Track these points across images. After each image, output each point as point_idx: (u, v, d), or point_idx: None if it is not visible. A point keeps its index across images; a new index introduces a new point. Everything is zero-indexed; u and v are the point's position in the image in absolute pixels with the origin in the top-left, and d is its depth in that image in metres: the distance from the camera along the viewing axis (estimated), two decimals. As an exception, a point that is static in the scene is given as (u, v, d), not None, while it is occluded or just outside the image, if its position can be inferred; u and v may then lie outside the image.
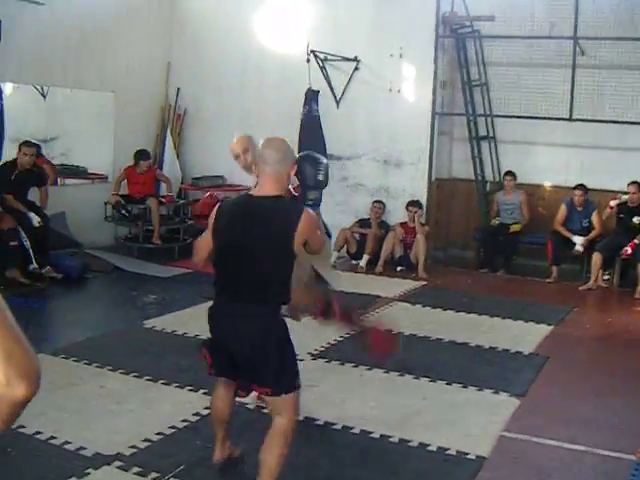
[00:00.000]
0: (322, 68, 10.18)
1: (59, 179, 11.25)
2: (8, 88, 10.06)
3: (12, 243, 7.95)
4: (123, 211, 9.90)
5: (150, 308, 7.66)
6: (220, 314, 3.69)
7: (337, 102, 10.41)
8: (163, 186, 10.64)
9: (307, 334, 6.64)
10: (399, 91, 10.16)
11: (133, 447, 4.32)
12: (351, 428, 4.75)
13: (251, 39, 10.89)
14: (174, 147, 11.36)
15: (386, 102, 10.22)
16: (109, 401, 5.10)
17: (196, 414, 4.85)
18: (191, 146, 11.56)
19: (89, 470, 4.02)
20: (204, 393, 5.11)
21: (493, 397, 5.44)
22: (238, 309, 3.58)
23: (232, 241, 3.62)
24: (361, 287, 8.61)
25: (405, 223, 9.86)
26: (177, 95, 11.44)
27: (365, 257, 9.77)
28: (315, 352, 6.22)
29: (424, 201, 10.05)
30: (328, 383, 5.59)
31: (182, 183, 11.29)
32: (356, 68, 10.26)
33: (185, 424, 4.72)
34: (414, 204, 9.81)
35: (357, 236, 10.13)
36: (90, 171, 11.35)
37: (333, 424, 4.81)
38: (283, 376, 3.58)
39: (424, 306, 7.99)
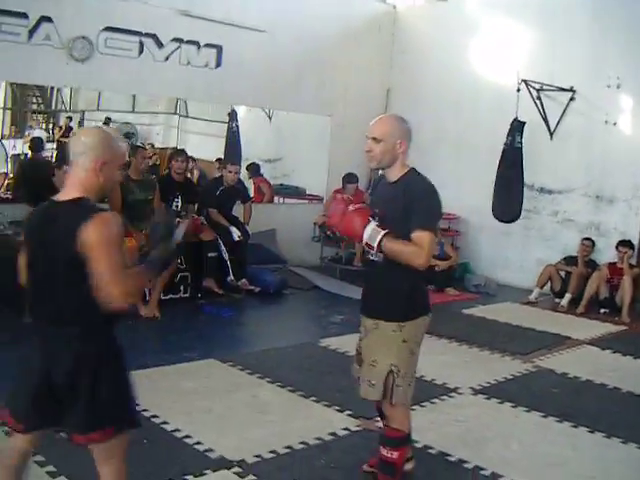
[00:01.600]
0: (537, 98, 9.93)
1: (279, 198, 11.86)
2: (242, 110, 10.78)
3: (211, 254, 8.48)
4: (328, 232, 10.21)
5: (332, 327, 7.83)
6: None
7: (551, 134, 10.09)
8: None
9: (475, 368, 6.59)
10: (615, 124, 9.66)
11: (258, 456, 4.47)
12: (482, 469, 4.57)
13: (466, 65, 10.94)
14: (387, 172, 11.52)
15: (601, 135, 9.77)
16: (254, 410, 5.31)
17: (332, 434, 4.92)
18: (406, 170, 11.68)
19: (207, 471, 4.22)
20: (349, 415, 5.21)
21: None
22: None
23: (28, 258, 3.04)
24: (554, 326, 8.32)
25: (614, 263, 9.32)
26: (395, 121, 11.61)
27: (567, 296, 9.36)
28: (478, 387, 6.07)
29: (636, 241, 9.46)
30: (478, 420, 5.42)
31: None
32: (572, 99, 9.90)
33: (317, 442, 4.79)
34: (625, 244, 9.26)
35: (562, 274, 9.73)
36: (308, 192, 11.85)
37: (465, 462, 4.67)
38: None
39: (614, 352, 7.50)
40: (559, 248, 10.08)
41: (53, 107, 10.82)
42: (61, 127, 10.82)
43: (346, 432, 4.97)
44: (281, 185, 12.00)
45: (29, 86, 9.95)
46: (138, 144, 10.17)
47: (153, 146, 10.94)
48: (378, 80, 11.69)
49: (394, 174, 3.72)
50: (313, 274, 10.02)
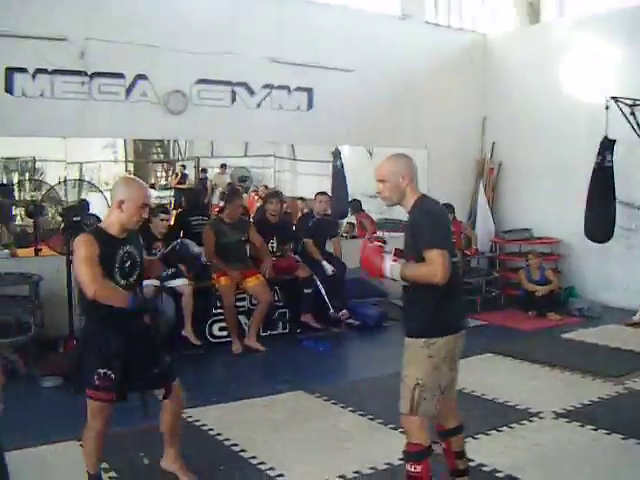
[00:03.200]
0: (631, 114, 9.71)
1: (383, 232, 12.00)
2: (345, 149, 11.02)
3: (307, 290, 8.75)
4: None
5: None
6: None
7: (646, 150, 9.86)
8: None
9: (563, 392, 6.49)
10: None
11: (324, 481, 4.64)
12: None
13: (559, 86, 10.89)
14: (488, 200, 11.53)
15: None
16: (332, 438, 5.46)
17: (401, 459, 5.00)
18: (505, 199, 11.66)
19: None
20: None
21: None
22: None
23: None
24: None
25: None
26: (492, 149, 11.64)
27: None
28: (561, 411, 5.99)
29: None
30: (554, 444, 5.32)
31: (495, 236, 11.39)
32: (666, 113, 9.64)
33: (386, 467, 4.90)
34: None
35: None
36: (409, 224, 11.92)
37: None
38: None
39: None
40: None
41: (171, 157, 11.40)
42: (177, 174, 11.39)
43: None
44: (385, 219, 12.14)
45: (151, 140, 10.55)
46: (252, 187, 10.86)
47: (267, 187, 11.33)
48: (473, 109, 11.75)
49: (408, 206, 3.97)
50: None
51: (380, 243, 3.97)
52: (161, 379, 4.39)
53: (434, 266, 3.69)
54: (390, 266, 3.83)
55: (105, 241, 4.04)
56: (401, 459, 4.89)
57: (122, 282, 4.08)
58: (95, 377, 4.08)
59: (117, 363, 4.08)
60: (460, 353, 4.03)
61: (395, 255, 3.87)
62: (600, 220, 9.21)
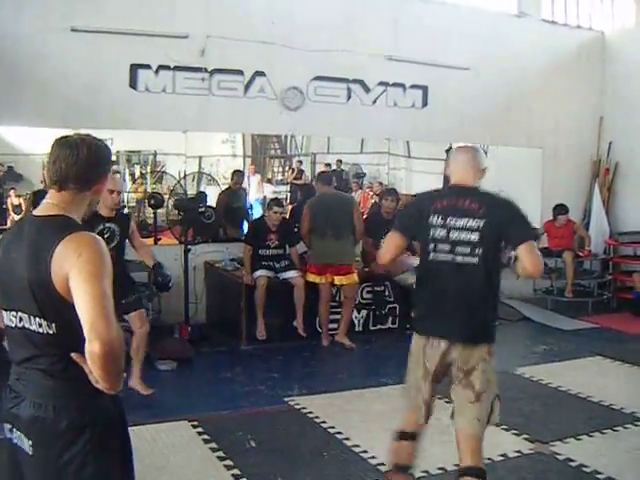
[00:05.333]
0: None
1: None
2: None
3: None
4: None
5: (533, 357, 7.88)
6: None
7: None
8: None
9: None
10: None
11: (424, 472, 4.69)
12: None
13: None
14: (603, 201, 11.29)
15: None
16: (434, 431, 5.40)
17: (502, 455, 5.02)
18: (622, 200, 11.37)
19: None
20: (525, 438, 5.29)
21: None
22: None
23: None
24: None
25: None
26: (609, 149, 11.39)
27: None
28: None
29: None
30: None
31: (610, 237, 11.14)
32: None
33: (486, 461, 4.86)
34: None
35: None
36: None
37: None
38: None
39: None
40: None
41: (288, 152, 11.64)
42: (293, 170, 11.62)
43: (517, 454, 5.07)
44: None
45: (269, 135, 10.82)
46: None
47: (381, 184, 11.38)
48: (589, 109, 11.49)
49: None
50: (524, 305, 9.99)
51: None
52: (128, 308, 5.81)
53: None
54: None
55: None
56: (502, 455, 4.99)
57: None
58: None
59: None
60: (444, 367, 3.82)
61: None
62: None
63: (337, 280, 8.12)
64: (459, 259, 3.71)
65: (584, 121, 11.43)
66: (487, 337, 3.77)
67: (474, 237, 3.66)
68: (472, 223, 3.67)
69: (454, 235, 3.71)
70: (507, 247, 3.75)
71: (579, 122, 11.37)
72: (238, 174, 10.19)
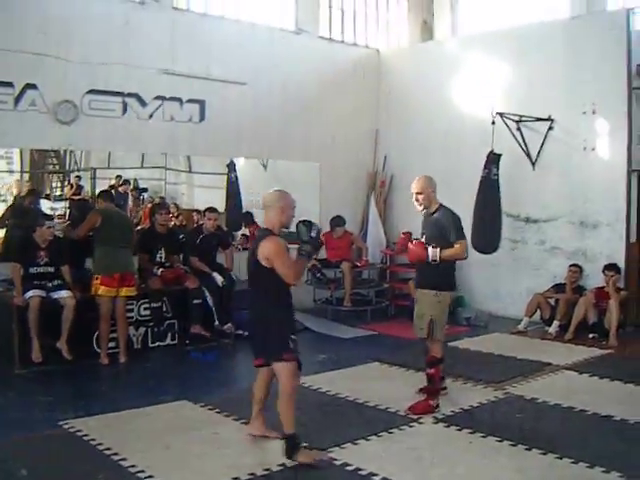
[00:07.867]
0: (517, 129, 10.13)
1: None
2: (240, 161, 11.02)
3: (196, 301, 8.74)
4: (318, 274, 10.34)
5: (313, 366, 7.96)
6: None
7: (533, 164, 10.27)
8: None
9: (443, 398, 6.62)
10: (593, 149, 9.85)
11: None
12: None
13: (449, 102, 11.28)
14: (379, 212, 11.75)
15: (581, 161, 9.97)
16: (211, 445, 5.47)
17: (281, 464, 5.07)
18: (397, 211, 11.89)
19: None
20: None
21: (599, 476, 4.93)
22: None
23: None
24: (537, 353, 8.42)
25: (602, 288, 9.36)
26: (384, 162, 11.89)
27: (555, 323, 9.45)
28: (440, 416, 6.15)
29: (622, 264, 9.53)
30: (431, 448, 5.46)
31: (387, 247, 11.61)
32: (550, 128, 10.10)
33: (266, 472, 4.95)
34: (610, 268, 9.33)
35: (552, 301, 9.80)
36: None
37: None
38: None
39: (591, 376, 7.50)
40: (548, 276, 10.19)
41: (67, 167, 11.18)
42: (72, 185, 11.17)
43: (294, 463, 5.10)
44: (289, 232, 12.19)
45: (47, 150, 10.32)
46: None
47: (162, 198, 11.16)
48: (366, 123, 12.00)
49: (432, 209, 6.36)
50: (305, 316, 10.16)
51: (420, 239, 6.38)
52: None
53: (462, 248, 6.23)
54: (431, 251, 6.14)
55: None
56: (280, 464, 5.04)
57: None
58: (290, 342, 5.12)
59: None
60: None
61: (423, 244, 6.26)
62: (487, 232, 9.50)
63: (124, 292, 8.05)
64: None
65: (361, 135, 11.91)
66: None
67: None
68: None
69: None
70: None
71: (356, 136, 11.83)
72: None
